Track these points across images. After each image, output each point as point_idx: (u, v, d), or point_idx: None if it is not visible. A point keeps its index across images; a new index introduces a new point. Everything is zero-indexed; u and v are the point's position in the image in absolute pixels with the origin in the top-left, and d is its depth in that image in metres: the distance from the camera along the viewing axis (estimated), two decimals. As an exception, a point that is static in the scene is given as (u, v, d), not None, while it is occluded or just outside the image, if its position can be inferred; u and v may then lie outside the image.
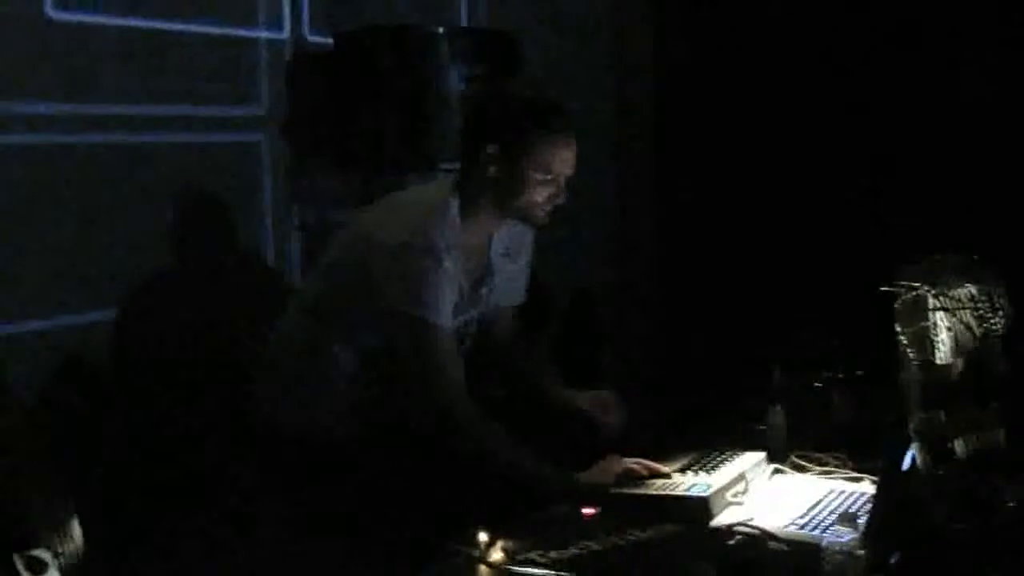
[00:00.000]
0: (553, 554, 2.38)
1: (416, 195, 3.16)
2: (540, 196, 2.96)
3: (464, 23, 4.93)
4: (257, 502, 3.33)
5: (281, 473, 3.13)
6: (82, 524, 2.10)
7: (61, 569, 2.00)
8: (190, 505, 3.80)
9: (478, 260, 3.12)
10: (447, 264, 2.90)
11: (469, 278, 3.08)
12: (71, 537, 2.06)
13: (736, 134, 5.10)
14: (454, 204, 2.99)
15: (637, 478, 2.83)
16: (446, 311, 2.92)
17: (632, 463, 2.87)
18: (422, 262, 2.88)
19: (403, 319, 2.89)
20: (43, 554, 1.98)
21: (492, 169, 2.95)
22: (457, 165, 3.10)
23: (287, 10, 4.36)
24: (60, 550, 2.02)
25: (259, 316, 3.65)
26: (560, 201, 2.99)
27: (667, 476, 2.85)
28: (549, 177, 2.94)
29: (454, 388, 2.91)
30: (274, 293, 4.16)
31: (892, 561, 2.15)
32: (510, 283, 3.28)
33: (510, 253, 3.23)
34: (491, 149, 2.94)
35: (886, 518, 2.24)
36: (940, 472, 2.23)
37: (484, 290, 3.16)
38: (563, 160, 2.95)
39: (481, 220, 3.04)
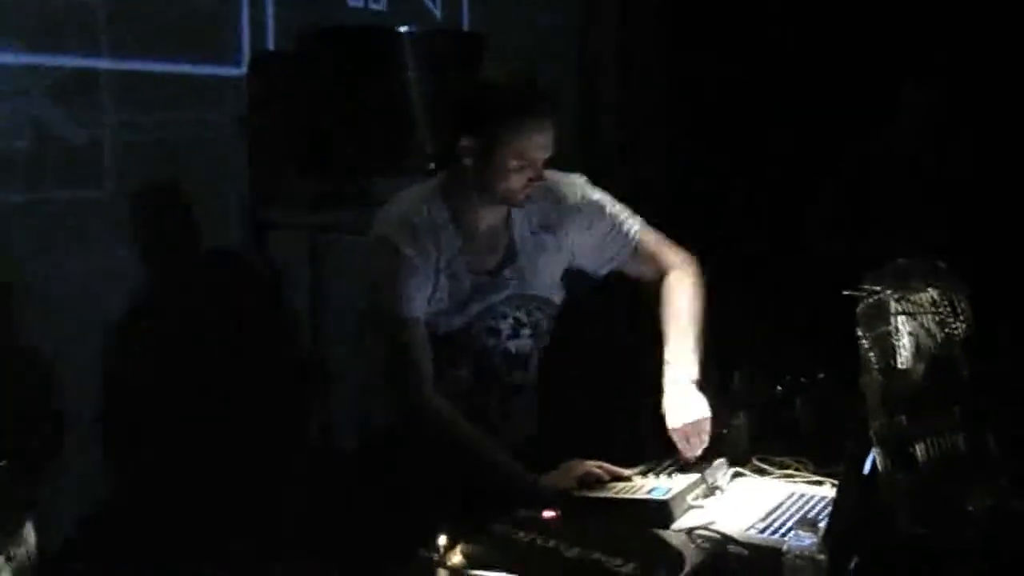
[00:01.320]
0: (513, 557, 2.37)
1: (405, 192, 3.14)
2: (518, 182, 2.94)
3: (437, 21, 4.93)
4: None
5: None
6: (38, 529, 2.09)
7: (13, 573, 1.98)
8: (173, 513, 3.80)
9: (495, 243, 3.09)
10: (408, 254, 2.91)
11: (485, 264, 3.06)
12: (24, 541, 2.04)
13: (700, 130, 5.10)
14: (435, 196, 3.01)
15: (598, 482, 2.83)
16: (412, 301, 2.92)
17: (593, 466, 2.86)
18: (380, 256, 2.93)
19: (368, 313, 2.96)
20: (-5, 557, 1.97)
21: (468, 160, 2.94)
22: (425, 168, 3.11)
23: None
24: (12, 554, 2.00)
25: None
26: (540, 182, 2.98)
27: (628, 480, 2.85)
28: (525, 163, 2.92)
29: (415, 379, 2.90)
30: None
31: (852, 566, 2.15)
32: (595, 249, 3.19)
33: (549, 226, 3.14)
34: (465, 141, 2.93)
35: (847, 523, 2.24)
36: (901, 477, 2.22)
37: (509, 271, 3.09)
38: (538, 146, 2.92)
39: (472, 208, 3.03)
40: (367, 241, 3.00)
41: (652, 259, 3.21)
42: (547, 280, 3.16)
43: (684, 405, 2.99)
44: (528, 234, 3.12)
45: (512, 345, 3.11)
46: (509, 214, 3.08)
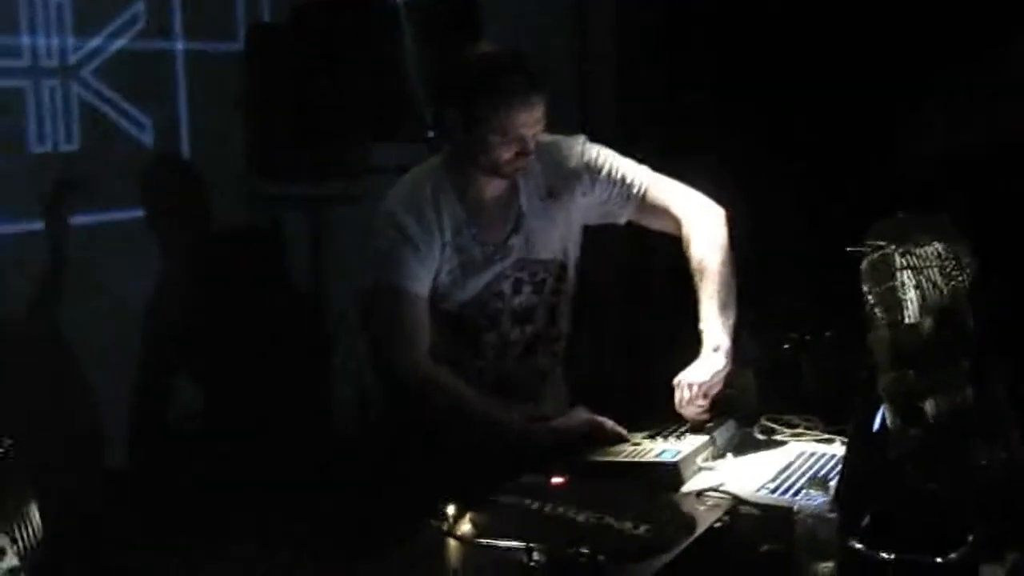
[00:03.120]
0: (522, 524, 2.35)
1: (410, 173, 3.14)
2: (506, 154, 2.93)
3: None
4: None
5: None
6: (43, 512, 2.09)
7: (19, 555, 1.98)
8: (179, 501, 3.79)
9: (501, 212, 3.08)
10: (412, 231, 2.93)
11: (491, 233, 3.06)
12: (30, 524, 2.03)
13: (701, 95, 5.08)
14: (439, 169, 3.03)
15: (601, 437, 2.83)
16: (408, 275, 2.93)
17: (599, 419, 2.87)
18: (382, 231, 2.95)
19: (369, 289, 2.95)
20: (1, 540, 1.96)
21: (455, 133, 2.96)
22: (423, 135, 3.10)
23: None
24: (18, 536, 1.99)
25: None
26: (531, 155, 2.97)
27: (629, 441, 2.84)
28: (509, 138, 2.91)
29: (408, 351, 2.92)
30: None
31: (864, 523, 2.14)
32: (604, 205, 3.17)
33: (557, 191, 3.13)
34: (451, 114, 2.95)
35: (857, 480, 2.23)
36: (911, 432, 2.21)
37: (515, 239, 3.08)
38: (521, 122, 2.91)
39: (472, 179, 3.03)
40: (380, 208, 3.01)
41: (664, 211, 3.18)
42: (556, 245, 3.15)
43: (697, 365, 2.99)
44: (537, 202, 3.10)
45: (516, 302, 3.10)
46: (515, 184, 3.07)
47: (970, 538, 2.07)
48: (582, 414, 2.92)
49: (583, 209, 3.15)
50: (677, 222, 3.17)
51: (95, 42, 4.01)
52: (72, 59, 3.96)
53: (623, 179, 3.15)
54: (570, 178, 3.12)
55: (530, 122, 2.91)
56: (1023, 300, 2.77)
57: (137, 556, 3.51)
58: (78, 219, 3.89)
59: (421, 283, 2.95)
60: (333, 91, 4.13)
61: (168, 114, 4.19)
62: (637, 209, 3.17)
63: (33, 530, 2.05)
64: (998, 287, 2.40)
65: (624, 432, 2.88)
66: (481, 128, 2.90)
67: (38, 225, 3.80)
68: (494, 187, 3.04)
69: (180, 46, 4.24)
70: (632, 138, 5.31)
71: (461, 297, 3.02)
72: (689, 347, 3.02)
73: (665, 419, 2.96)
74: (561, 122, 3.10)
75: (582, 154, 3.13)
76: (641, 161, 3.20)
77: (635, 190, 3.15)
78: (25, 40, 3.85)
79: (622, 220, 3.20)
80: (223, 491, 3.66)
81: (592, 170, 3.13)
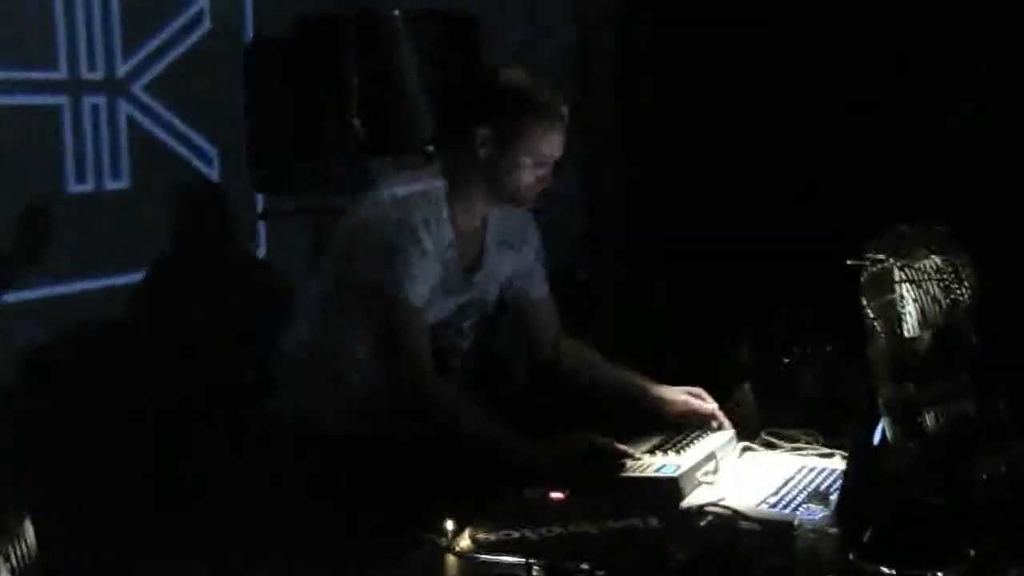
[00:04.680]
0: (521, 540, 2.35)
1: (405, 180, 3.12)
2: (530, 179, 2.98)
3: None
4: (244, 499, 3.29)
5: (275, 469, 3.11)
6: (38, 525, 2.07)
7: (13, 572, 1.96)
8: (180, 501, 3.77)
9: (471, 245, 3.11)
10: (425, 242, 2.92)
11: (462, 263, 3.07)
12: (23, 540, 2.02)
13: (701, 110, 5.08)
14: (441, 187, 3.01)
15: (605, 456, 2.81)
16: (419, 287, 2.92)
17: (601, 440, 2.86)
18: (396, 236, 2.91)
19: (376, 292, 2.92)
20: (-6, 558, 1.95)
21: (483, 152, 2.96)
22: (423, 148, 3.17)
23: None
24: (12, 553, 1.97)
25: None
26: (548, 185, 3.02)
27: (634, 458, 2.83)
28: (539, 161, 2.96)
29: (419, 360, 2.92)
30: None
31: (865, 538, 2.13)
32: (523, 275, 3.26)
33: (511, 243, 3.21)
34: (483, 132, 2.95)
35: (858, 494, 2.22)
36: (911, 445, 2.20)
37: (478, 276, 3.13)
38: (553, 144, 2.97)
39: (472, 204, 3.05)
40: (368, 220, 2.98)
41: (551, 318, 3.31)
42: (496, 291, 3.23)
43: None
44: (495, 244, 3.16)
45: (463, 343, 3.18)
46: (485, 221, 3.12)
47: (972, 553, 2.06)
48: (586, 439, 2.87)
49: (514, 271, 3.23)
50: (557, 335, 3.30)
51: (149, 48, 3.50)
52: (121, 70, 3.43)
53: (541, 257, 3.27)
54: (516, 234, 3.21)
55: (559, 145, 2.98)
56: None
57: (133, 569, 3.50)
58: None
59: (424, 296, 2.96)
60: (332, 104, 4.13)
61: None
62: (536, 301, 3.28)
63: (27, 547, 2.04)
64: (1000, 300, 2.39)
65: (630, 451, 2.86)
66: (517, 145, 2.94)
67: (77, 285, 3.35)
68: (476, 218, 3.08)
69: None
70: (631, 150, 5.35)
71: (432, 317, 3.03)
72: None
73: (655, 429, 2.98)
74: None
75: (524, 216, 3.22)
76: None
77: (544, 283, 3.28)
78: (61, 44, 3.25)
79: (531, 295, 3.28)
80: (216, 500, 3.66)
81: (530, 235, 3.25)
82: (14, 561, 1.96)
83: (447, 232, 3.00)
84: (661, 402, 3.12)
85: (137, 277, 3.51)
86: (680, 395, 3.12)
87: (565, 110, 2.98)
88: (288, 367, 3.14)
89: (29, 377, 3.58)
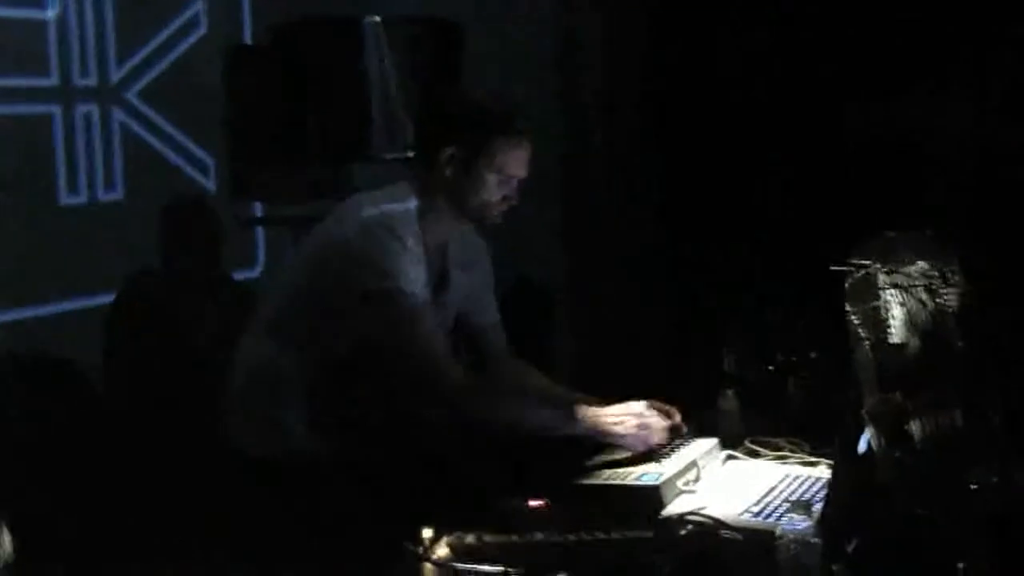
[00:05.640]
0: (499, 548, 2.33)
1: (376, 195, 3.13)
2: (495, 197, 2.99)
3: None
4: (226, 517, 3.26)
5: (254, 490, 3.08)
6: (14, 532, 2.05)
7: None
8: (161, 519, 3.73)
9: (437, 264, 3.11)
10: (411, 247, 2.93)
11: (430, 282, 3.05)
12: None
13: (686, 116, 5.08)
14: (413, 203, 3.02)
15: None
16: (419, 285, 2.92)
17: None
18: (386, 241, 2.91)
19: (376, 296, 2.89)
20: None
21: (448, 170, 2.98)
22: (403, 155, 3.24)
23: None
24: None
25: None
26: (514, 202, 3.03)
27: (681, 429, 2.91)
28: (504, 179, 2.98)
29: (434, 354, 2.91)
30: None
31: (849, 549, 2.10)
32: (475, 300, 3.26)
33: (465, 264, 3.22)
34: (448, 150, 2.97)
35: (842, 504, 2.19)
36: (898, 455, 2.17)
37: (443, 296, 3.12)
38: (519, 162, 2.99)
39: (438, 221, 3.05)
40: (352, 230, 2.96)
41: (501, 342, 3.31)
42: (454, 313, 3.23)
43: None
44: (456, 265, 3.18)
45: None
46: (446, 244, 3.13)
47: (961, 566, 2.03)
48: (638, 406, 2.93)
49: (466, 292, 3.22)
50: (503, 353, 3.31)
51: (143, 53, 3.40)
52: (115, 76, 3.34)
53: (492, 282, 3.29)
54: (470, 256, 3.22)
55: (525, 163, 3.00)
56: (1016, 319, 2.73)
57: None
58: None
59: (426, 294, 2.96)
60: (311, 111, 4.10)
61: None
62: (489, 327, 3.29)
63: (3, 551, 2.02)
64: (990, 306, 2.37)
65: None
66: (482, 165, 2.96)
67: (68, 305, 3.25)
68: (438, 236, 3.08)
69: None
70: (618, 162, 5.34)
71: None
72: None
73: None
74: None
75: (476, 240, 3.24)
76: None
77: (495, 310, 3.29)
78: (52, 51, 3.15)
79: (483, 319, 3.28)
80: (199, 507, 3.62)
81: (483, 259, 3.27)
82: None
83: (416, 247, 2.98)
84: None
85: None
86: (630, 419, 2.97)
87: (530, 127, 3.00)
88: (253, 384, 3.08)
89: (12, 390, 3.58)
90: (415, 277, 2.92)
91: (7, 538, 2.05)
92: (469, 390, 2.92)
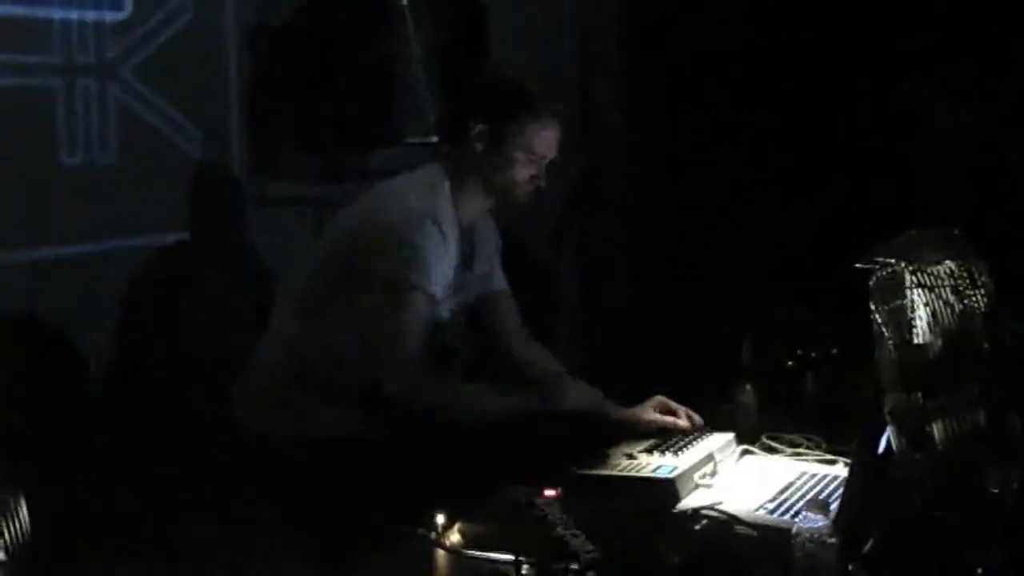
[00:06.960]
0: (512, 537, 2.30)
1: (409, 179, 3.13)
2: (523, 176, 3.02)
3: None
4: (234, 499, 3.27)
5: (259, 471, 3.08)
6: (32, 508, 2.04)
7: (6, 550, 1.93)
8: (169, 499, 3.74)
9: (467, 243, 3.13)
10: (449, 233, 2.97)
11: (459, 262, 3.08)
12: (17, 519, 1.99)
13: (704, 109, 5.06)
14: (446, 185, 3.04)
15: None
16: (438, 282, 2.94)
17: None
18: (431, 233, 2.93)
19: (402, 286, 2.89)
20: (-14, 535, 1.92)
21: (478, 147, 3.01)
22: (427, 139, 3.30)
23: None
24: (4, 530, 1.94)
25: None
26: (542, 183, 3.05)
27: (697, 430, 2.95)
28: (533, 158, 3.01)
29: (412, 357, 2.90)
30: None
31: (865, 549, 2.08)
32: (492, 268, 3.28)
33: (484, 240, 3.25)
34: (478, 128, 3.00)
35: (859, 504, 2.17)
36: (918, 456, 2.15)
37: (469, 273, 3.15)
38: (547, 142, 3.02)
39: (471, 199, 3.08)
40: (385, 219, 2.96)
41: (513, 310, 3.32)
42: (493, 287, 3.29)
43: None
44: (480, 240, 3.20)
45: (458, 344, 3.30)
46: (476, 221, 3.15)
47: (980, 571, 2.01)
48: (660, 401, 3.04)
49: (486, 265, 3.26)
50: (517, 330, 3.32)
51: (137, 33, 3.73)
52: (110, 54, 3.67)
53: (500, 250, 3.31)
54: (483, 225, 3.23)
55: (553, 143, 3.03)
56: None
57: (123, 551, 3.46)
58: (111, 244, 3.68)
59: (439, 291, 2.97)
60: (335, 92, 4.09)
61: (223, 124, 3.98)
62: (501, 298, 3.31)
63: (20, 524, 2.01)
64: (1016, 308, 2.34)
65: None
66: (511, 143, 2.98)
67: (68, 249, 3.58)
68: (469, 213, 3.09)
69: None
70: (633, 152, 5.32)
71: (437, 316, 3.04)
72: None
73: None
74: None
75: (497, 233, 3.30)
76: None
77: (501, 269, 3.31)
78: (58, 30, 3.53)
79: (495, 287, 3.30)
80: (201, 489, 3.63)
81: (492, 229, 3.28)
82: (7, 537, 1.93)
83: (453, 230, 3.01)
84: (627, 426, 3.06)
85: (123, 243, 3.75)
86: (647, 414, 3.08)
87: (559, 108, 3.05)
88: (272, 363, 3.08)
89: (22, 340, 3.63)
90: (443, 272, 2.95)
91: (25, 513, 2.04)
92: (433, 384, 2.98)
